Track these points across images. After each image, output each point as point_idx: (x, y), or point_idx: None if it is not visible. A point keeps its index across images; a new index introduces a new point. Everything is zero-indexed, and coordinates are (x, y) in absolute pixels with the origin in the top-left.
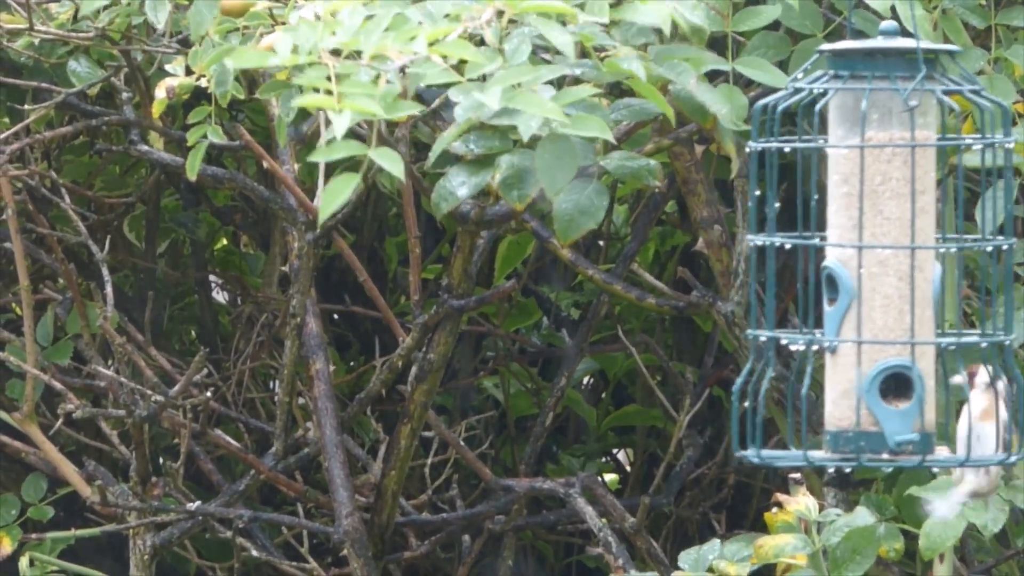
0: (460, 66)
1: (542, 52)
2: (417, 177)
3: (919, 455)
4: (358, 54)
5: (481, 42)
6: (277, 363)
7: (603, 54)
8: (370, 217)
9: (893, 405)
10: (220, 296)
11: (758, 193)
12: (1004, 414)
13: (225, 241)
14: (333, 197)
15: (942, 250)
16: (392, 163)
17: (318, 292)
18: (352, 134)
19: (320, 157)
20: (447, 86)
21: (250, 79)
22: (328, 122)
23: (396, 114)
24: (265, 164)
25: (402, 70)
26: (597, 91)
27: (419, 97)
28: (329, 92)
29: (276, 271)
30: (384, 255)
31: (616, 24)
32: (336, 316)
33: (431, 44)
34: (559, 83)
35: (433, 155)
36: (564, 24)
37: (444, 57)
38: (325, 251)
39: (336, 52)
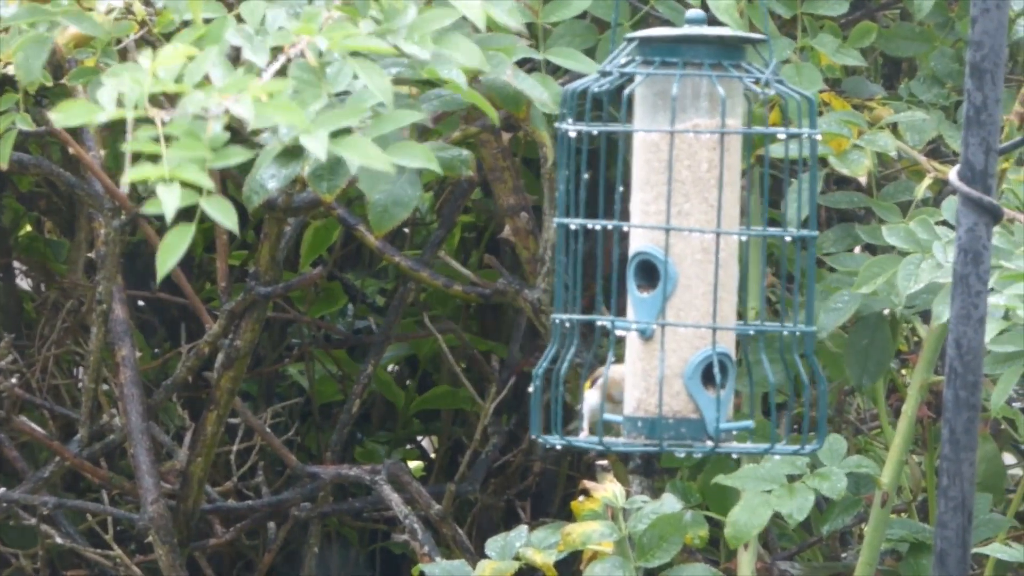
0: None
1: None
2: None
3: (736, 442)
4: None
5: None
6: (83, 349)
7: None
8: None
9: (710, 392)
10: (24, 283)
11: (566, 173)
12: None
13: (29, 227)
14: (168, 253)
15: (744, 238)
16: (225, 216)
17: (124, 278)
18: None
19: (152, 209)
20: None
21: (55, 65)
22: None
23: (224, 163)
24: (71, 150)
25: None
26: (410, 93)
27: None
28: (158, 158)
29: (82, 257)
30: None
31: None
32: (142, 302)
33: (256, 100)
34: None
35: (248, 185)
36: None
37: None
38: (131, 237)
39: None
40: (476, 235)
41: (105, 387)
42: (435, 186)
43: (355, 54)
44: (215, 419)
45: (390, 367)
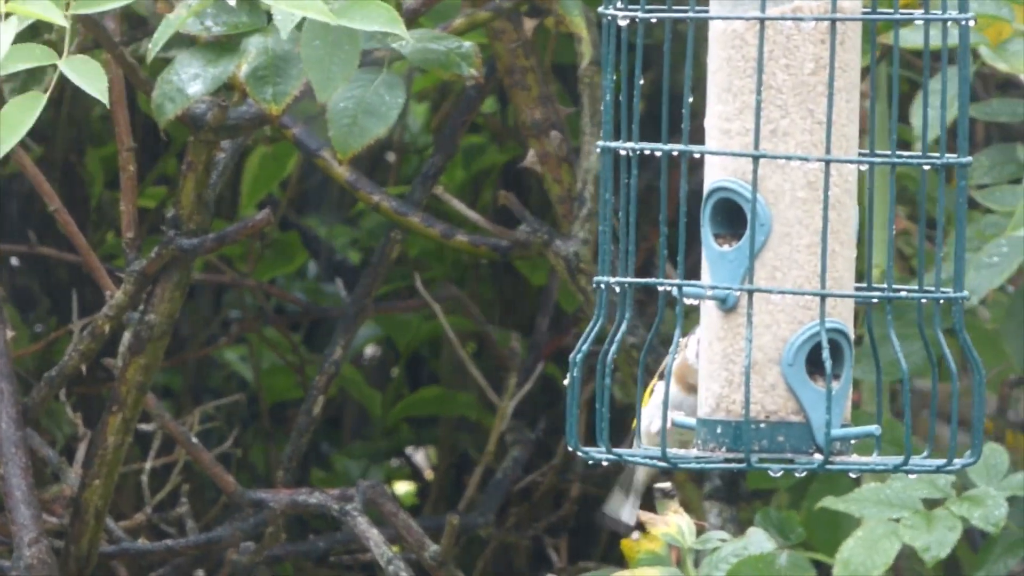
0: None
1: None
2: (131, 65)
3: (856, 455)
4: None
5: None
6: None
7: None
8: (65, 121)
9: (818, 385)
10: None
11: (614, 78)
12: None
13: None
14: (12, 128)
15: (865, 167)
16: (91, 81)
17: None
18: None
19: None
20: None
21: None
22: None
23: (93, 8)
24: None
25: None
26: None
27: None
28: None
29: None
30: (84, 174)
31: None
32: (15, 261)
33: None
34: None
35: (156, 44)
36: None
37: None
38: None
39: None
40: (489, 165)
41: None
42: (433, 95)
43: None
44: (120, 425)
45: (367, 352)
